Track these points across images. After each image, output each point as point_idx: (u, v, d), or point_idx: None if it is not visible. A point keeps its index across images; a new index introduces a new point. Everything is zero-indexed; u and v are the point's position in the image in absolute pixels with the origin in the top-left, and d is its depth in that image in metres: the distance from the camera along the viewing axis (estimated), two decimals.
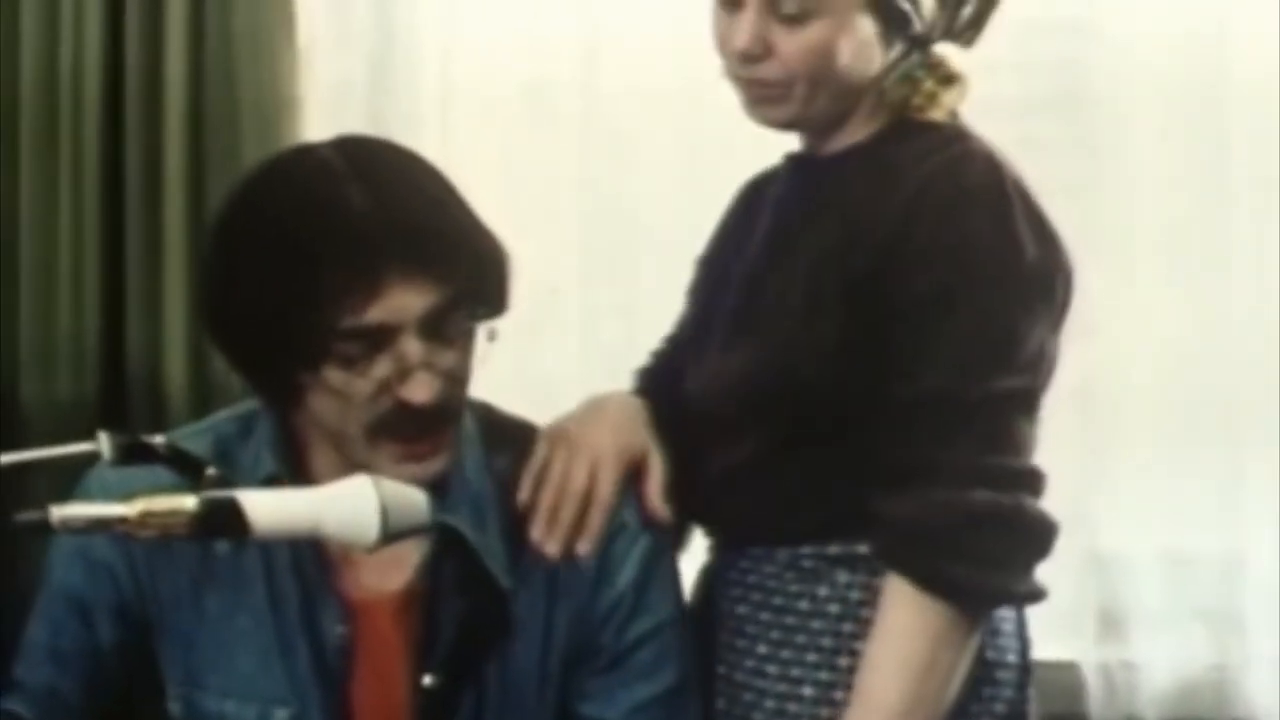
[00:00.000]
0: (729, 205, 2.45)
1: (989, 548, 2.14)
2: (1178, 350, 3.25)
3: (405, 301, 2.08)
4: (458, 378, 2.15)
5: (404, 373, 2.09)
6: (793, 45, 2.19)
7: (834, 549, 2.23)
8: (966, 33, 2.27)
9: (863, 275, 2.18)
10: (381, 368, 2.09)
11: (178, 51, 3.28)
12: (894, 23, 2.21)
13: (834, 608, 2.23)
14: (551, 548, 2.21)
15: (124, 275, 3.31)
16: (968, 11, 2.25)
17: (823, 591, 2.24)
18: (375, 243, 2.06)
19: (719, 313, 2.32)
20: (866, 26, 2.20)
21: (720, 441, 2.28)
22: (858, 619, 2.22)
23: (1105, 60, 3.28)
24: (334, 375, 2.10)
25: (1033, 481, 2.18)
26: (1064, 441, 3.09)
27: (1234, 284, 3.25)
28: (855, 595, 2.22)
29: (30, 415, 3.30)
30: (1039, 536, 2.18)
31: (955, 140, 2.23)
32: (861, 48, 2.21)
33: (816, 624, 2.24)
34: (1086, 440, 3.22)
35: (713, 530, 2.35)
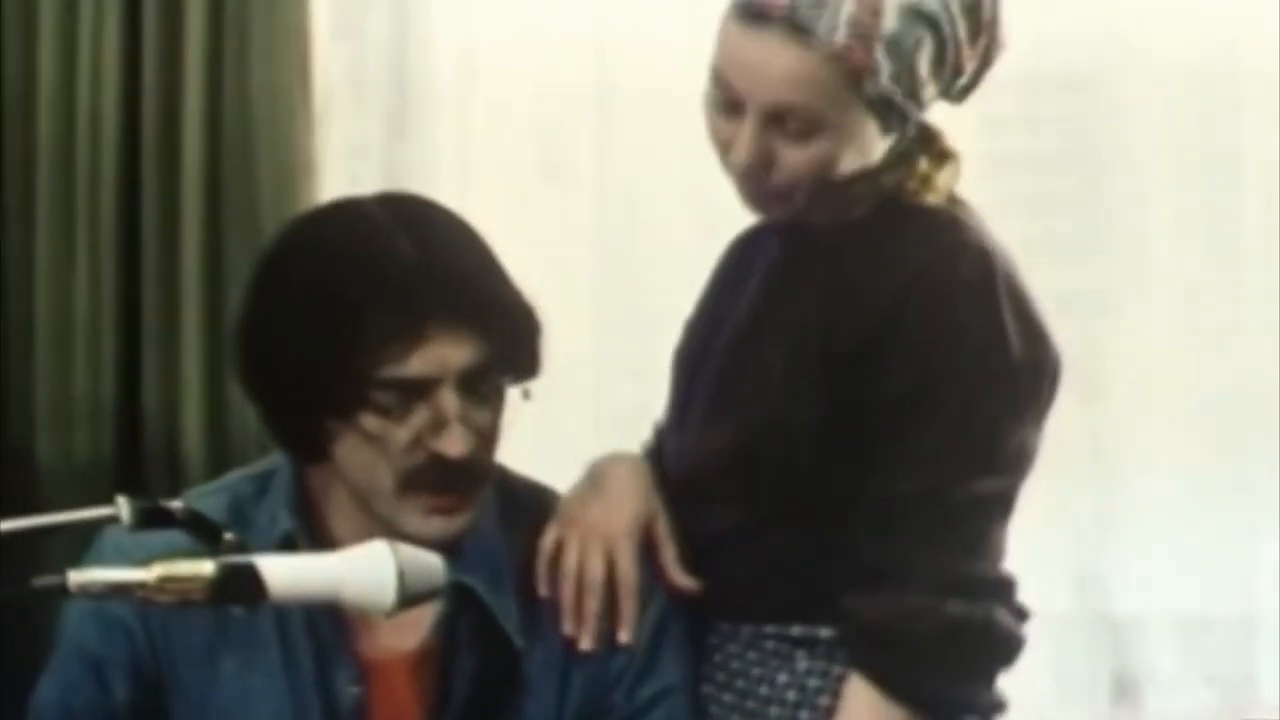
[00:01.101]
0: (718, 263, 2.41)
1: (959, 659, 2.12)
2: (1191, 411, 3.24)
3: (446, 354, 2.10)
4: (489, 437, 2.16)
5: (439, 425, 2.11)
6: (796, 158, 2.14)
7: (796, 630, 2.21)
8: (960, 95, 2.23)
9: (845, 359, 2.15)
10: (419, 417, 2.11)
11: (195, 112, 3.29)
12: (896, 120, 2.17)
13: (791, 694, 2.21)
14: (585, 643, 2.20)
15: (140, 336, 3.32)
16: (962, 81, 2.21)
17: (781, 678, 2.22)
18: (421, 292, 2.09)
19: (701, 378, 2.30)
20: (869, 130, 2.15)
21: (696, 512, 2.27)
22: (814, 707, 2.20)
23: (1116, 115, 3.28)
24: (371, 422, 2.11)
25: (1005, 590, 2.16)
26: (1077, 504, 3.13)
27: (1249, 342, 3.24)
28: (813, 683, 2.21)
29: (46, 475, 3.31)
30: (1007, 648, 2.16)
31: (949, 229, 2.18)
32: (863, 149, 2.17)
33: (774, 711, 2.22)
34: (1099, 503, 3.21)
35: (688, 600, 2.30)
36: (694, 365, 2.33)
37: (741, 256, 2.37)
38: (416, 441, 2.11)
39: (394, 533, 2.08)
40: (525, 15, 3.36)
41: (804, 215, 2.22)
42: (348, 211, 2.22)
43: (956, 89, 2.21)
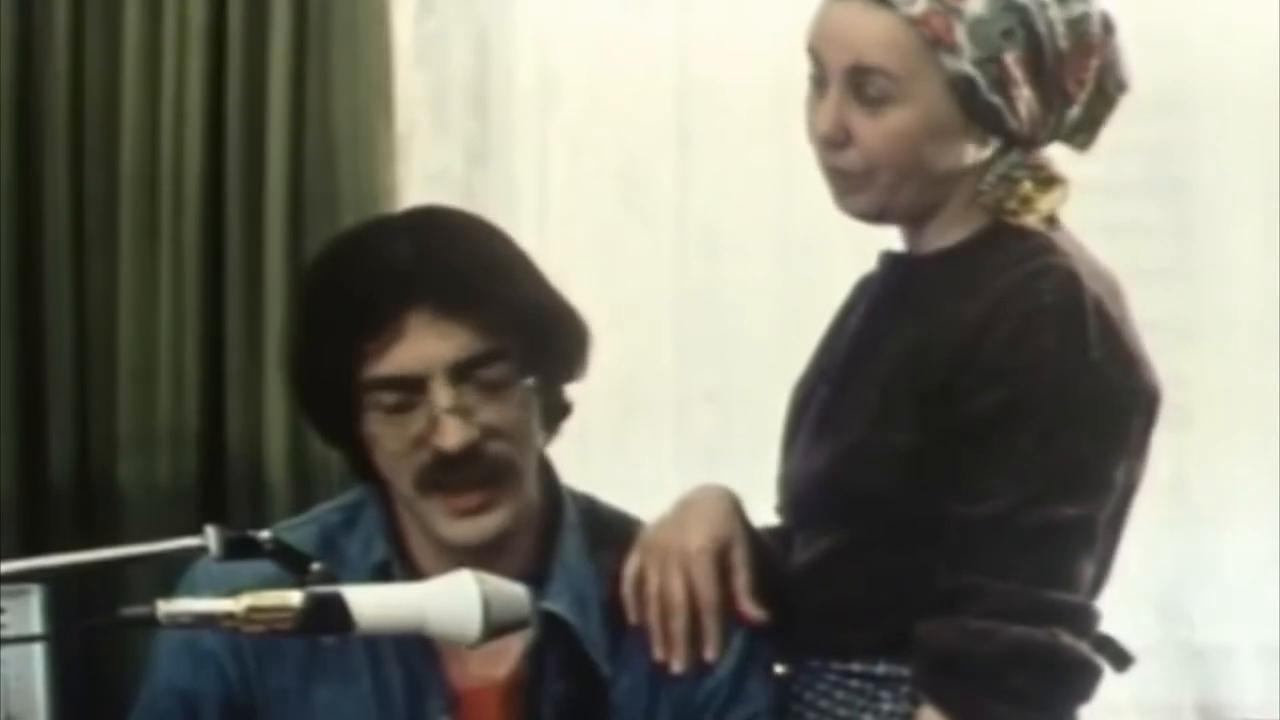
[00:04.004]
0: (844, 299, 2.40)
1: (1023, 685, 2.08)
2: (1276, 439, 3.21)
3: (430, 348, 2.12)
4: (506, 431, 2.16)
5: (435, 421, 2.13)
6: (872, 132, 2.15)
7: (882, 668, 2.19)
8: (1078, 135, 2.22)
9: (933, 385, 2.13)
10: (418, 416, 2.13)
11: (278, 141, 3.31)
12: (982, 116, 2.16)
13: None
14: (676, 665, 2.21)
15: (224, 361, 3.33)
16: (1075, 113, 2.20)
17: (867, 719, 2.21)
18: (400, 286, 2.12)
19: (810, 409, 2.30)
20: (951, 116, 2.15)
21: (797, 539, 2.27)
22: None
23: (1200, 141, 3.26)
24: (376, 427, 2.15)
25: (1078, 618, 2.11)
26: (1162, 533, 3.11)
27: None
28: None
29: (130, 500, 3.33)
30: (1078, 677, 2.12)
31: (1039, 254, 2.16)
32: (946, 137, 2.16)
33: None
34: (1184, 531, 3.20)
35: (781, 635, 2.29)
36: (807, 396, 2.33)
37: (859, 291, 2.36)
38: (420, 441, 2.13)
39: (442, 541, 2.16)
40: (606, 44, 3.37)
41: (895, 221, 2.22)
42: (367, 226, 2.31)
43: (1070, 121, 2.19)
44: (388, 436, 2.15)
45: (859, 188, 2.19)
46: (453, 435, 2.12)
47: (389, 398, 2.13)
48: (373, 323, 2.12)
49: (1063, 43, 2.16)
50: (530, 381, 2.18)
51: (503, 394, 2.15)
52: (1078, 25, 2.17)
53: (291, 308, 3.26)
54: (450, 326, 2.12)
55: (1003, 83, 2.14)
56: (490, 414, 2.14)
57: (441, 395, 2.12)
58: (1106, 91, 2.21)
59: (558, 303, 2.22)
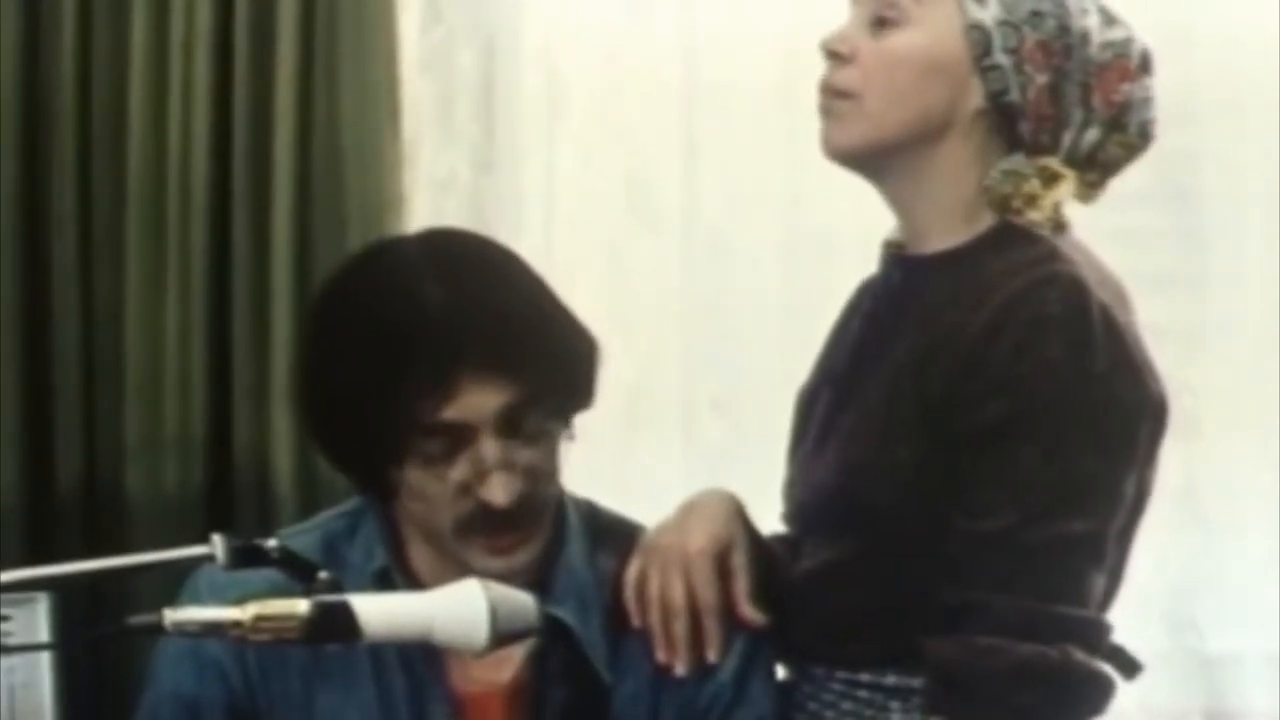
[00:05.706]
0: (846, 301, 2.38)
1: (1032, 702, 2.06)
2: None
3: (480, 401, 2.11)
4: (541, 473, 2.17)
5: (482, 474, 2.13)
6: (874, 51, 2.16)
7: (891, 679, 2.18)
8: (1090, 171, 2.20)
9: (937, 395, 2.11)
10: (460, 470, 2.13)
11: (285, 147, 3.31)
12: (987, 74, 2.16)
13: None
14: (679, 668, 2.21)
15: (231, 369, 3.33)
16: (1093, 135, 2.19)
17: None
18: (450, 344, 2.10)
19: (814, 415, 2.30)
20: (955, 60, 2.16)
21: (803, 548, 2.26)
22: None
23: (1207, 150, 3.26)
24: (414, 475, 2.14)
25: (1089, 633, 2.09)
26: (1171, 541, 3.11)
27: None
28: None
29: (136, 508, 3.33)
30: (1089, 693, 2.09)
31: (1045, 261, 2.13)
32: (944, 78, 2.16)
33: None
34: (1193, 540, 3.19)
35: (784, 643, 2.29)
36: (811, 401, 2.32)
37: (861, 292, 2.35)
38: (464, 489, 2.13)
39: (464, 567, 2.13)
40: (613, 51, 3.37)
41: (869, 146, 2.19)
42: (388, 255, 2.25)
43: (1087, 144, 2.19)
44: (428, 484, 2.14)
45: (847, 114, 2.18)
46: (502, 492, 2.12)
47: (433, 445, 2.12)
48: (423, 375, 2.09)
49: (1096, 53, 2.17)
50: (569, 428, 2.18)
51: (541, 437, 2.16)
52: (1117, 47, 2.18)
53: (297, 325, 3.27)
54: (497, 380, 2.11)
55: (1017, 52, 2.15)
56: (531, 458, 2.15)
57: (490, 449, 2.12)
58: (1128, 130, 2.20)
59: (579, 332, 2.20)
